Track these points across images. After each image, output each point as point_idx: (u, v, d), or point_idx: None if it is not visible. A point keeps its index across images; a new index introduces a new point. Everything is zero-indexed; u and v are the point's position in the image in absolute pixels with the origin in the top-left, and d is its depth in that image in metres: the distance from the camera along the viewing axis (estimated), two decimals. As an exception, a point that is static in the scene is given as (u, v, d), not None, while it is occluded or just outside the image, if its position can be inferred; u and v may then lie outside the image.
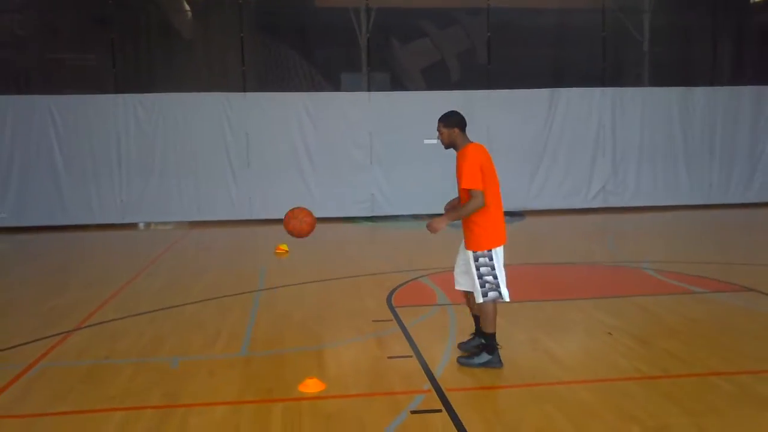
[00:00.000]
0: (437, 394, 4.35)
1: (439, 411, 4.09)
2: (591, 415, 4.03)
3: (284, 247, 10.15)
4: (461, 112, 4.82)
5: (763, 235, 11.93)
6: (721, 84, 15.47)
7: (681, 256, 9.37)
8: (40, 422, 4.06)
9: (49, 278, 8.93)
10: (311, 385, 4.49)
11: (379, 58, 15.16)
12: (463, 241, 4.88)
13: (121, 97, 13.70)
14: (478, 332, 5.03)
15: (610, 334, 5.48)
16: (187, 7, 16.41)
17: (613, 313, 6.27)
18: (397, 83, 15.60)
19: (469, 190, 4.63)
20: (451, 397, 4.30)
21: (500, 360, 4.81)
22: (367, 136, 14.16)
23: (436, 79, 15.58)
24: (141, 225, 14.00)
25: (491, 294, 4.73)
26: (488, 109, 14.27)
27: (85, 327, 6.15)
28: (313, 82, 15.29)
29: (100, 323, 6.26)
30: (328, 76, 15.46)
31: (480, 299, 4.76)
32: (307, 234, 5.41)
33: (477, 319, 5.03)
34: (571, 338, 5.21)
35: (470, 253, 4.75)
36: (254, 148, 13.89)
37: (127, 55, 14.64)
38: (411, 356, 5.14)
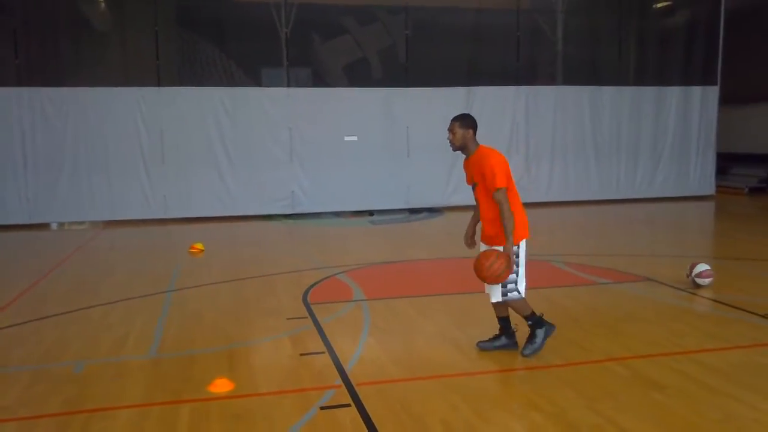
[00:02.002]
0: (347, 389, 4.39)
1: (348, 405, 4.14)
2: (495, 404, 4.18)
3: (199, 246, 9.94)
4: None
5: (664, 228, 12.60)
6: (627, 84, 16.23)
7: (589, 249, 9.79)
8: (-73, 435, 3.85)
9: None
10: (220, 385, 4.45)
11: (300, 54, 15.04)
12: (484, 243, 4.98)
13: (26, 91, 13.02)
14: (506, 331, 5.10)
15: (515, 326, 5.67)
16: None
17: (521, 304, 6.48)
18: (319, 79, 15.53)
19: (498, 190, 4.64)
20: (360, 391, 4.35)
21: (552, 324, 4.96)
22: (286, 132, 14.04)
23: (357, 76, 15.61)
24: (53, 225, 13.36)
25: (511, 295, 4.81)
26: (407, 107, 14.45)
27: (-18, 333, 5.85)
28: (232, 77, 15.01)
29: (-2, 329, 5.98)
30: (247, 71, 15.20)
31: (499, 298, 4.83)
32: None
33: (504, 320, 5.10)
34: (480, 330, 5.36)
35: (500, 249, 4.71)
36: (169, 144, 13.51)
37: (33, 47, 13.92)
38: (323, 352, 5.16)
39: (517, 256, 4.76)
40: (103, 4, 15.62)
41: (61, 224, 13.40)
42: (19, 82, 13.11)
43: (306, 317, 6.20)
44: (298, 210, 14.11)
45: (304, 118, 14.09)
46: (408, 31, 15.10)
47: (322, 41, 16.27)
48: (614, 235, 11.71)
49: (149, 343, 5.51)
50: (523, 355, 4.91)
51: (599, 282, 7.53)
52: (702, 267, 7.01)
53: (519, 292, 4.83)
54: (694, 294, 6.83)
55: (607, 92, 15.79)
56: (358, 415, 3.99)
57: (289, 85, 14.32)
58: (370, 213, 14.46)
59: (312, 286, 7.43)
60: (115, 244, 11.45)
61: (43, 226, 13.23)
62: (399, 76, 15.10)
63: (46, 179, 13.11)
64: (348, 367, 4.81)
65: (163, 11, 14.38)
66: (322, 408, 4.11)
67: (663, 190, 16.21)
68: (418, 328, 5.89)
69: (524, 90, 15.30)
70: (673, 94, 16.09)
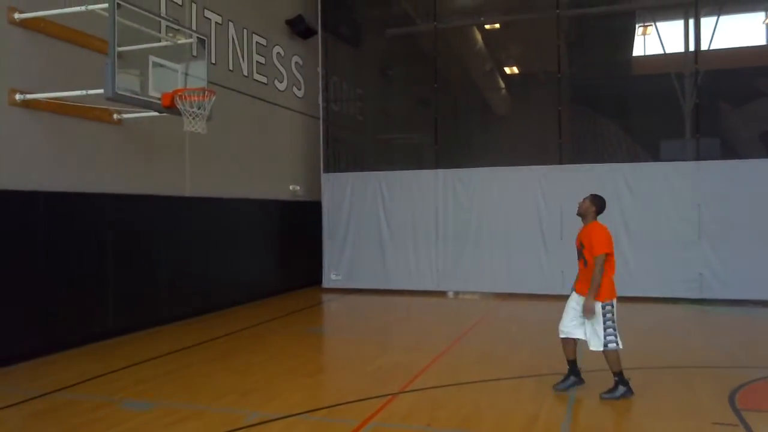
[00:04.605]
0: None
1: None
2: None
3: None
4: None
5: None
6: None
7: None
8: (372, 482, 4.26)
9: (374, 338, 9.67)
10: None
11: (705, 123, 13.85)
12: (577, 294, 6.15)
13: (441, 172, 14.64)
14: (575, 371, 6.27)
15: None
16: (502, 85, 17.13)
17: None
18: (728, 150, 14.02)
19: (597, 256, 5.88)
20: None
21: (631, 390, 6.00)
22: (695, 209, 12.87)
23: (777, 144, 13.69)
24: (450, 293, 14.52)
25: (610, 345, 5.86)
26: None
27: (409, 391, 6.43)
28: (629, 151, 14.57)
29: (422, 389, 6.50)
30: (645, 145, 14.58)
31: (601, 348, 5.90)
32: None
33: (572, 362, 6.28)
34: None
35: (598, 304, 5.88)
36: (568, 220, 13.56)
37: (447, 133, 15.67)
38: (770, 474, 4.29)
39: (612, 313, 5.90)
40: (503, 92, 16.99)
41: (456, 293, 14.45)
42: (437, 165, 14.81)
43: (737, 425, 5.31)
44: (706, 295, 12.67)
45: (715, 193, 12.77)
46: None
47: (732, 108, 14.81)
48: None
49: (558, 427, 5.33)
50: (601, 397, 5.92)
51: None
52: None
53: (617, 344, 5.85)
54: None
55: None
56: None
57: (698, 159, 13.19)
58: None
59: (739, 387, 6.39)
60: (516, 316, 11.78)
61: (442, 294, 14.43)
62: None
63: (453, 251, 14.39)
64: (809, 501, 3.88)
65: (564, 91, 14.81)
66: None
67: None
68: None
69: None
70: None
